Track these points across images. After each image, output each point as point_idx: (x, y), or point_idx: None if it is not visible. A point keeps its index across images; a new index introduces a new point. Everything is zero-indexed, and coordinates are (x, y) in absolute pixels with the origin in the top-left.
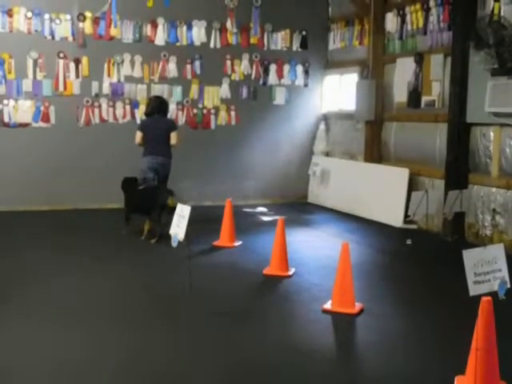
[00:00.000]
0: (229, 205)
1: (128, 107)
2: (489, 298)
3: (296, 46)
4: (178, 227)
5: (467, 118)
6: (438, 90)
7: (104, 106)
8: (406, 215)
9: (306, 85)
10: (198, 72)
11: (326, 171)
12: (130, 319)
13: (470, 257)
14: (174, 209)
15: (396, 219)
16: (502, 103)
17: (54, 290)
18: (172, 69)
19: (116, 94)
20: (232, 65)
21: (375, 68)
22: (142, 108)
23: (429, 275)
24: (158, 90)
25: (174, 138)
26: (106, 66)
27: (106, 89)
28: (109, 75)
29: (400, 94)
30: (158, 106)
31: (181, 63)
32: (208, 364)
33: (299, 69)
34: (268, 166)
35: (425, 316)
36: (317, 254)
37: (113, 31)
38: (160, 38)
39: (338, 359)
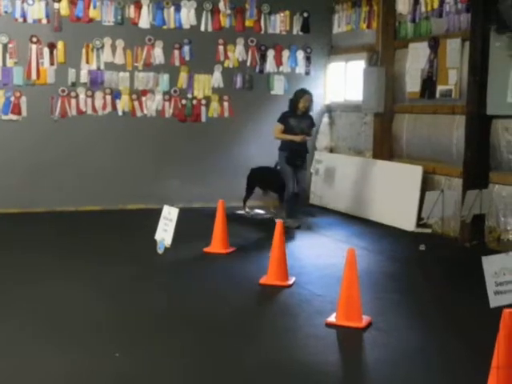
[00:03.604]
0: (221, 206)
1: (108, 97)
2: (511, 310)
3: (296, 30)
4: (165, 232)
5: (488, 110)
6: (454, 78)
7: (82, 96)
8: (420, 218)
9: (307, 73)
10: (187, 58)
11: (331, 169)
12: (112, 335)
13: (490, 264)
14: None
15: (408, 222)
16: None
17: (26, 298)
18: (158, 55)
19: (95, 82)
20: (225, 50)
21: (385, 54)
22: (125, 98)
23: (444, 285)
24: (143, 78)
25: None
26: (84, 51)
27: (84, 77)
28: (87, 62)
29: (413, 84)
30: None
31: (168, 49)
32: (203, 380)
33: (300, 55)
34: (265, 163)
35: (439, 330)
36: (320, 262)
37: (92, 13)
38: (144, 21)
39: (343, 378)
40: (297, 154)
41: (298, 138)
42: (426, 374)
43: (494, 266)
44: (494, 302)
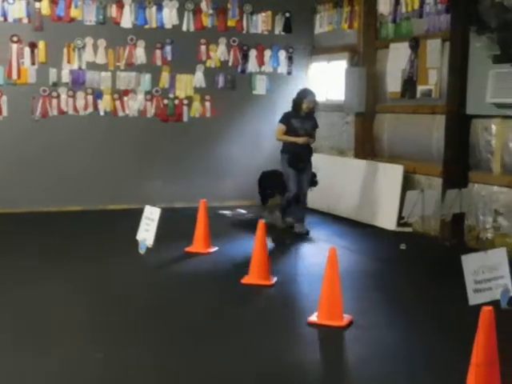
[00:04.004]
0: (203, 206)
1: (90, 97)
2: (490, 307)
3: (278, 30)
4: (147, 232)
5: (467, 110)
6: (435, 78)
7: (63, 96)
8: (401, 217)
9: (289, 73)
10: (169, 58)
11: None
12: (92, 335)
13: (469, 262)
14: None
15: (389, 221)
16: (506, 93)
17: (6, 299)
18: (140, 55)
19: (77, 82)
20: (207, 50)
21: (366, 54)
22: (106, 98)
23: (424, 283)
24: (124, 78)
25: None
26: (65, 51)
27: (66, 77)
28: (68, 62)
29: (393, 84)
30: None
31: (150, 48)
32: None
33: (282, 55)
34: (247, 163)
35: (420, 328)
36: (301, 261)
37: (73, 12)
38: (126, 20)
39: (324, 377)
40: (299, 157)
41: (300, 140)
42: (407, 372)
43: (473, 265)
44: (474, 299)
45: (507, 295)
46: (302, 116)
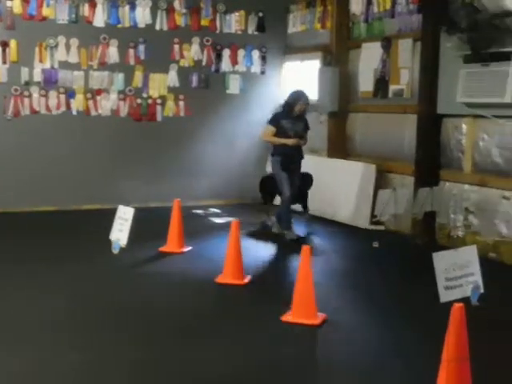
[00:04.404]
0: (177, 206)
1: (63, 97)
2: (461, 304)
3: (252, 29)
4: (120, 232)
5: (438, 109)
6: (406, 78)
7: (35, 95)
8: (373, 215)
9: (262, 72)
10: (143, 57)
11: None
12: (65, 335)
13: (440, 260)
14: None
15: (362, 220)
16: (476, 93)
17: None
18: (113, 54)
19: (49, 81)
20: (181, 49)
21: (339, 54)
22: (79, 98)
23: (397, 281)
24: (97, 77)
25: None
26: (37, 50)
27: (38, 76)
28: (41, 61)
29: (366, 83)
30: None
31: (123, 47)
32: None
33: (255, 54)
34: (221, 162)
35: (392, 326)
36: (275, 260)
37: (45, 11)
38: (99, 19)
39: (298, 375)
40: (291, 159)
41: (290, 142)
42: (379, 369)
43: (444, 262)
44: (445, 297)
45: (477, 292)
46: (293, 117)
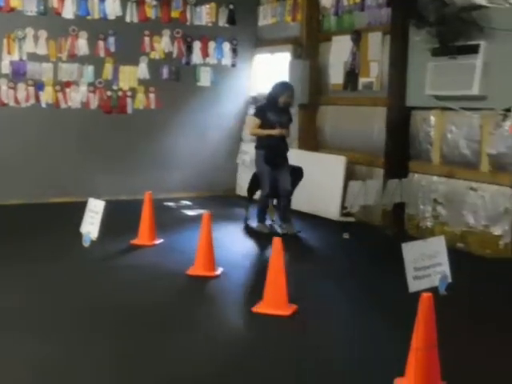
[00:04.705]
0: (148, 198)
1: (31, 89)
2: (429, 294)
3: (222, 22)
4: (91, 224)
5: (407, 102)
6: (376, 71)
7: (3, 87)
8: (343, 207)
9: (233, 65)
10: (113, 50)
11: None
12: (42, 333)
13: (409, 251)
14: None
15: (332, 211)
16: (444, 85)
17: None
18: (82, 46)
19: (17, 73)
20: (151, 42)
21: (309, 47)
22: (48, 90)
23: (367, 271)
24: (67, 69)
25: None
26: (5, 41)
27: (6, 68)
28: (9, 52)
29: (336, 76)
30: None
31: (92, 39)
32: (134, 378)
33: (226, 47)
34: (192, 154)
35: (362, 316)
36: (247, 252)
37: (13, 2)
38: (68, 11)
39: (269, 366)
40: (277, 153)
41: (275, 132)
42: (350, 358)
43: (412, 253)
44: (414, 286)
45: (445, 282)
46: (278, 109)
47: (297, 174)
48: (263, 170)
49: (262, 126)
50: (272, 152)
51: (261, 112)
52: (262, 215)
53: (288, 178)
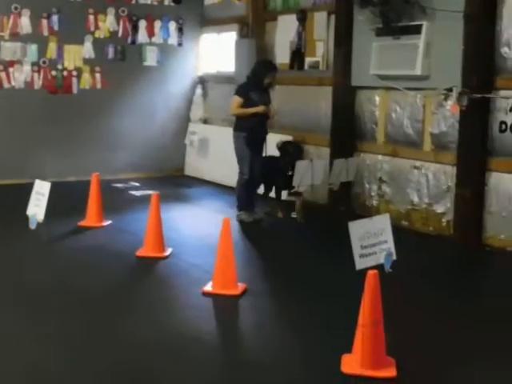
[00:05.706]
0: (96, 180)
1: None
2: (375, 271)
3: (168, 0)
4: (37, 206)
5: (352, 81)
6: (322, 50)
7: None
8: (291, 186)
9: (180, 44)
10: (56, 28)
11: (205, 140)
12: None
13: (355, 229)
14: None
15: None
16: (388, 65)
17: None
18: (25, 24)
19: None
20: (96, 20)
21: (255, 26)
22: None
23: (315, 250)
24: (9, 48)
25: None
26: None
27: None
28: None
29: (282, 55)
30: None
31: (35, 18)
32: (82, 362)
33: (172, 26)
34: (140, 135)
35: (310, 294)
36: (196, 232)
37: None
38: None
39: (219, 345)
40: (258, 135)
41: (261, 109)
42: (297, 334)
43: (359, 231)
44: (360, 264)
45: (390, 259)
46: (260, 89)
47: (297, 150)
48: (244, 154)
49: (243, 106)
50: (254, 134)
51: (244, 91)
52: (245, 202)
53: (259, 164)
